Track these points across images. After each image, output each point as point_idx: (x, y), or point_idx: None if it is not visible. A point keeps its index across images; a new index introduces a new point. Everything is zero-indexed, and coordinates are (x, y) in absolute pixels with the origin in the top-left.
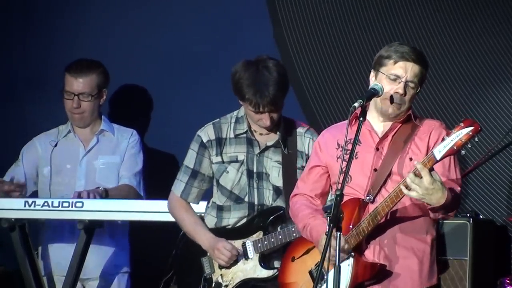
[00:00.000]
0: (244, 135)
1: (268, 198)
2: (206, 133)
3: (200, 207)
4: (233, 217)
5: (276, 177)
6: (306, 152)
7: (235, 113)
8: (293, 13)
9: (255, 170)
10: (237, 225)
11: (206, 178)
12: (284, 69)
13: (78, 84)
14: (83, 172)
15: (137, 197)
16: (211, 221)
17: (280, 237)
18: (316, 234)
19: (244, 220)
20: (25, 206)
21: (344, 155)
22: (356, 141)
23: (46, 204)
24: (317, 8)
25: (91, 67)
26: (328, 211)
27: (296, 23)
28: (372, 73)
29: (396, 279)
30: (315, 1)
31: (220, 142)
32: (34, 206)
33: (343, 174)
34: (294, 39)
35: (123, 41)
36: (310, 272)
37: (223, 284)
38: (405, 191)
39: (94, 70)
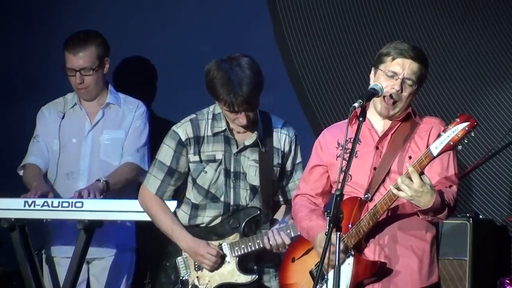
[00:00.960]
0: (222, 133)
1: (245, 198)
2: (185, 130)
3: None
4: (208, 216)
5: (253, 176)
6: (282, 149)
7: (211, 108)
8: (294, 12)
9: (232, 170)
10: (212, 224)
11: (182, 175)
12: (257, 66)
13: (78, 60)
14: (88, 148)
15: (141, 174)
16: (183, 217)
17: (258, 241)
18: (312, 235)
19: (219, 219)
20: (25, 206)
21: (344, 154)
22: (356, 141)
23: (46, 204)
24: (317, 7)
25: (88, 40)
26: (328, 211)
27: (296, 22)
28: (373, 71)
29: (396, 277)
30: (315, 0)
31: (198, 141)
32: (34, 206)
33: (343, 174)
34: (295, 38)
35: (126, 41)
36: (311, 272)
37: (200, 287)
38: (394, 191)
39: (92, 43)
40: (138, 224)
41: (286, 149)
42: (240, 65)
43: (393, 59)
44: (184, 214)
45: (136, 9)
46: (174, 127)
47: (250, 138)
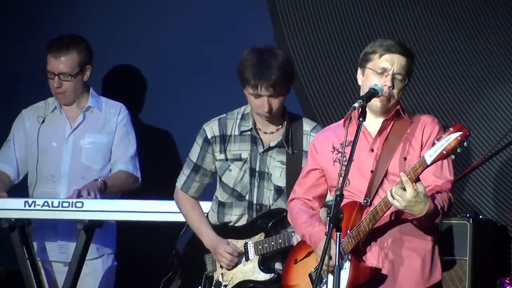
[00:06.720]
0: (249, 132)
1: (268, 198)
2: (211, 128)
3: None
4: (235, 214)
5: (278, 177)
6: None
7: (242, 109)
8: (294, 12)
9: (257, 169)
10: (241, 224)
11: (208, 173)
12: (290, 59)
13: (58, 64)
14: (69, 152)
15: (135, 182)
16: (212, 216)
17: (280, 241)
18: (315, 241)
19: (245, 217)
20: (25, 206)
21: (343, 156)
22: (355, 143)
23: (46, 204)
24: (317, 7)
25: (70, 46)
26: (328, 211)
27: (296, 22)
28: (359, 71)
29: (399, 279)
30: (315, 1)
31: (224, 139)
32: (34, 206)
33: (343, 174)
34: (295, 38)
35: (124, 41)
36: (310, 275)
37: (223, 283)
38: (390, 198)
39: (74, 49)
40: (120, 228)
41: None
42: (272, 52)
43: (381, 55)
44: (212, 212)
45: (137, 9)
46: (204, 125)
47: (276, 139)
